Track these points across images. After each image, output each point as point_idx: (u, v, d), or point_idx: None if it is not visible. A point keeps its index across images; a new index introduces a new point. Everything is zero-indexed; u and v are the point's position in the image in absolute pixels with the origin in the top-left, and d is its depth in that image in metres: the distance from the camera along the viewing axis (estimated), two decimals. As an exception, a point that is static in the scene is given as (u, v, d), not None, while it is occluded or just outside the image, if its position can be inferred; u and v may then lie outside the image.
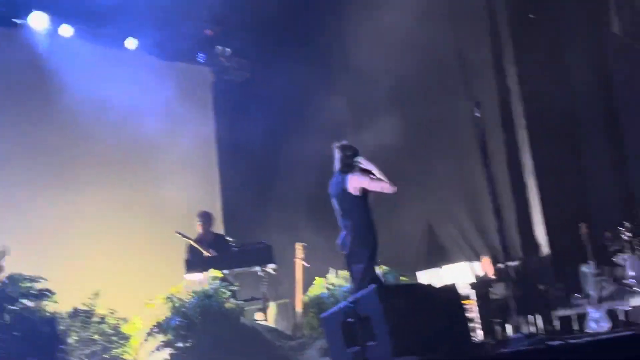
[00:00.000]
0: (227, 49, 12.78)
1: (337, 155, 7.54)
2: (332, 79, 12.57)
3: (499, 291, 10.64)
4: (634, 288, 10.00)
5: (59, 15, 11.15)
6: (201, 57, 12.80)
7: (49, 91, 11.02)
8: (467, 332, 5.22)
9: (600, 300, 9.68)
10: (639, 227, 10.70)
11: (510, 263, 10.94)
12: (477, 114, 7.21)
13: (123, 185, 11.57)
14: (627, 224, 10.82)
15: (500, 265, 10.83)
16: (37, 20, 10.93)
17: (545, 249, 11.50)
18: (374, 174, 7.27)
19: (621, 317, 9.69)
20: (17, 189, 10.37)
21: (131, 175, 11.86)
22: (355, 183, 7.23)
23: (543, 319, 10.47)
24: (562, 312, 10.47)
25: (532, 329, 10.32)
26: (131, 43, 12.02)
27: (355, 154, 7.45)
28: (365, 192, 7.25)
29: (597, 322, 9.47)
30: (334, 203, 7.45)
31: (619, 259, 10.71)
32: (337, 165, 7.53)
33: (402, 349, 4.29)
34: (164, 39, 12.20)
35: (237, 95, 12.64)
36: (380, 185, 7.19)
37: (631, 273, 10.32)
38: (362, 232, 7.14)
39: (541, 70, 11.49)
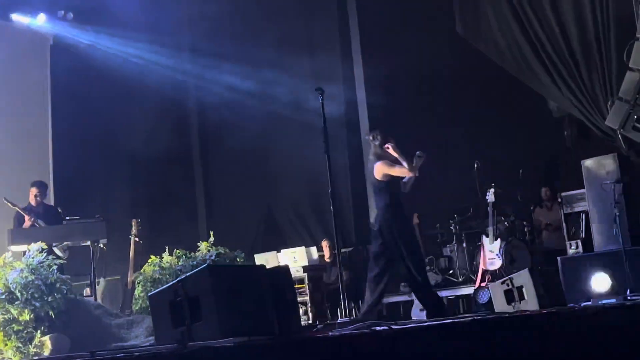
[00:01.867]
0: (70, 13, 12.25)
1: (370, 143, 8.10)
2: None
3: (332, 276, 10.88)
4: (459, 278, 10.48)
5: None
6: (41, 18, 12.20)
7: None
8: (295, 314, 5.27)
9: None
10: (467, 221, 11.21)
11: (344, 249, 11.18)
12: (321, 99, 7.27)
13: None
14: (456, 217, 11.33)
15: (335, 252, 11.06)
16: None
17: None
18: (398, 160, 7.71)
19: (445, 305, 10.11)
20: None
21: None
22: (378, 170, 7.74)
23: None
24: (390, 299, 10.82)
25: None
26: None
27: (385, 141, 7.82)
28: (389, 177, 7.73)
29: (422, 310, 9.83)
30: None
31: (446, 249, 11.20)
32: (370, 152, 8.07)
33: (229, 329, 4.26)
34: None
35: (76, 61, 12.10)
36: (401, 170, 7.67)
37: (457, 263, 10.82)
38: (387, 214, 7.74)
39: (384, 66, 11.80)
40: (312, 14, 12.93)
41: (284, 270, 5.02)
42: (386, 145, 7.74)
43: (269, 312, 4.54)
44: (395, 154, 7.70)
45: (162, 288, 5.05)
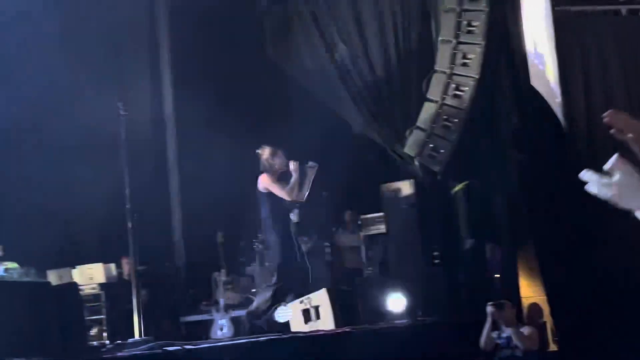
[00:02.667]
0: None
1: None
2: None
3: (130, 294, 10.56)
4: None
5: None
6: None
7: None
8: (83, 333, 5.07)
9: (227, 308, 9.99)
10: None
11: (142, 267, 10.91)
12: (124, 114, 7.08)
13: None
14: (260, 236, 11.34)
15: (138, 268, 10.77)
16: None
17: (180, 254, 11.65)
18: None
19: (245, 324, 10.09)
20: None
21: None
22: (262, 181, 8.04)
23: (171, 323, 10.57)
24: (190, 318, 10.66)
25: (160, 334, 10.37)
26: None
27: (272, 156, 8.15)
28: (269, 190, 8.03)
29: (222, 330, 9.76)
30: None
31: (248, 269, 11.18)
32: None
33: (7, 350, 4.00)
34: None
35: None
36: (280, 191, 7.96)
37: (260, 283, 10.82)
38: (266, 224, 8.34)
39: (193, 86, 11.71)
40: (122, 39, 12.65)
41: (72, 287, 4.81)
42: (292, 167, 8.00)
43: (52, 331, 4.33)
44: (294, 173, 8.01)
45: None
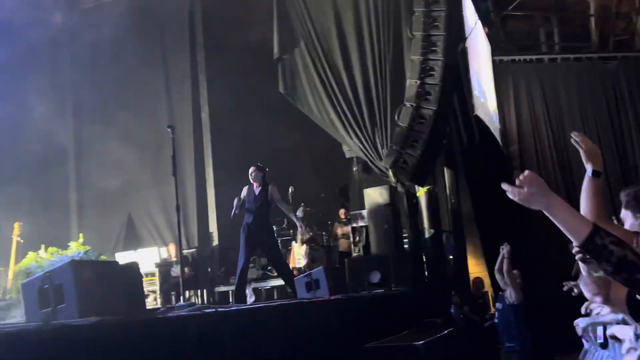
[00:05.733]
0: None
1: (258, 173, 7.97)
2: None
3: (177, 271, 10.60)
4: (274, 273, 10.52)
5: None
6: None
7: None
8: (142, 299, 5.09)
9: (249, 281, 10.02)
10: (282, 230, 11.29)
11: (187, 250, 10.99)
12: (172, 136, 7.12)
13: None
14: (274, 227, 11.38)
15: (187, 251, 10.87)
16: None
17: (214, 241, 11.69)
18: None
19: (263, 293, 10.15)
20: None
21: None
22: (277, 191, 8.08)
23: (207, 293, 10.62)
24: (222, 289, 10.71)
25: (199, 300, 10.43)
26: None
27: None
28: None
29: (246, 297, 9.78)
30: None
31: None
32: (258, 179, 7.95)
33: (86, 311, 4.04)
34: None
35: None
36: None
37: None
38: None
39: (227, 108, 11.74)
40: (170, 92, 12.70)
41: (134, 265, 4.85)
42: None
43: (120, 298, 4.37)
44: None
45: (32, 277, 4.72)
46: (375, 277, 8.82)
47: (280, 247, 8.65)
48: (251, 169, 8.04)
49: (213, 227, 11.77)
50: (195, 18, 12.50)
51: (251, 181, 7.99)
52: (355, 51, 9.67)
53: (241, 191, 8.09)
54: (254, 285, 10.07)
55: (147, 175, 11.82)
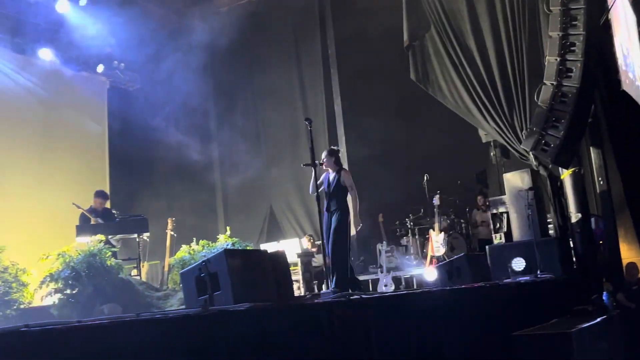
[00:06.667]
0: (122, 63, 12.29)
1: (329, 158, 7.44)
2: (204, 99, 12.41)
3: (318, 261, 10.90)
4: (413, 262, 10.52)
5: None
6: (101, 68, 12.24)
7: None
8: (290, 286, 5.31)
9: (389, 270, 10.10)
10: (419, 219, 11.27)
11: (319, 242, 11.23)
12: (309, 128, 7.30)
13: (33, 162, 10.88)
14: (411, 216, 11.39)
15: (319, 242, 11.10)
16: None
17: (353, 231, 11.81)
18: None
19: (403, 281, 10.17)
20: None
21: (42, 154, 11.18)
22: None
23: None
24: (362, 277, 10.85)
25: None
26: (46, 53, 11.38)
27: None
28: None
29: (386, 286, 9.87)
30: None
31: (403, 240, 11.24)
32: (330, 164, 7.43)
33: (240, 297, 4.29)
34: (72, 51, 11.57)
35: (127, 99, 12.14)
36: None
37: (412, 251, 10.86)
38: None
39: (358, 98, 11.84)
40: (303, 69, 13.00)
41: (281, 254, 5.06)
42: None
43: (270, 284, 4.58)
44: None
45: (190, 267, 5.07)
46: (519, 264, 8.58)
47: (346, 236, 7.68)
48: (323, 154, 7.64)
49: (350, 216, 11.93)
50: (325, 11, 12.72)
51: (323, 167, 7.54)
52: (488, 31, 9.42)
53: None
54: (393, 274, 10.12)
55: (286, 168, 12.23)
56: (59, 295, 7.28)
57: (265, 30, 12.47)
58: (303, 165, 7.02)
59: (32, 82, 10.96)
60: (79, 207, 9.30)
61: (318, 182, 7.20)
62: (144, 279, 9.18)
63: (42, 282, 7.38)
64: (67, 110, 11.28)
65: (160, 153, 12.00)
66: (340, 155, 7.64)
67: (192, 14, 11.60)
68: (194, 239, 8.75)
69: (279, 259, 4.96)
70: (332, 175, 7.52)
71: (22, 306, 7.38)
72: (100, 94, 12.57)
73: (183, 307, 6.53)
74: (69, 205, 9.35)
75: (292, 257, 10.29)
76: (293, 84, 12.85)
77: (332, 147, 7.72)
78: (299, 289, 10.01)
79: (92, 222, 9.19)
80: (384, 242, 10.57)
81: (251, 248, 8.82)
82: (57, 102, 11.36)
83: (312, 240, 11.43)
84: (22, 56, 11.05)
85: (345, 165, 12.11)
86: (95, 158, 12.18)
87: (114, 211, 9.85)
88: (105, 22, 10.92)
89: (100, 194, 9.71)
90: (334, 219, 7.39)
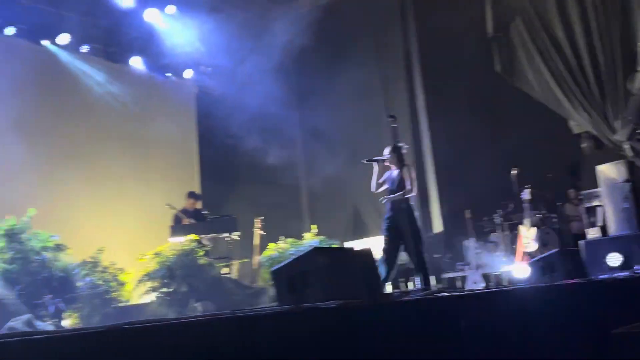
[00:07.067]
0: (209, 68, 12.66)
1: (393, 154, 7.34)
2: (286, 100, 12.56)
3: (402, 258, 10.84)
4: (502, 259, 10.29)
5: (80, 36, 10.93)
6: (188, 73, 12.66)
7: (73, 90, 10.98)
8: (378, 284, 5.33)
9: (477, 266, 9.92)
10: (508, 215, 11.01)
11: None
12: (393, 125, 7.28)
13: (128, 167, 11.39)
14: (499, 211, 11.13)
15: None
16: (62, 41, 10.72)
17: (439, 228, 11.71)
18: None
19: (492, 278, 9.97)
20: (42, 163, 10.08)
21: (136, 158, 11.67)
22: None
23: (436, 279, 10.67)
24: (449, 275, 10.72)
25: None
26: (137, 61, 11.89)
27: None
28: None
29: (475, 283, 9.71)
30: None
31: (492, 237, 11.01)
32: (393, 161, 7.35)
33: (330, 294, 4.34)
34: (161, 58, 12.03)
35: (214, 103, 12.48)
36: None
37: (501, 247, 10.63)
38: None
39: (442, 93, 11.67)
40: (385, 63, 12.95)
41: (368, 251, 5.08)
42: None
43: (359, 282, 4.62)
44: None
45: (280, 265, 5.18)
46: (616, 259, 8.24)
47: (422, 235, 7.47)
48: (385, 151, 7.42)
49: (436, 214, 11.81)
50: (406, 5, 12.63)
51: (387, 163, 7.38)
52: (577, 19, 9.11)
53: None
54: (482, 270, 9.95)
55: (369, 165, 12.22)
56: (155, 294, 7.61)
57: (345, 28, 12.51)
58: (363, 161, 6.96)
59: (125, 89, 11.43)
60: (172, 208, 9.67)
61: (380, 181, 7.21)
62: (234, 276, 9.44)
63: (140, 281, 7.74)
64: (158, 115, 11.70)
65: (245, 155, 12.26)
66: (404, 152, 7.42)
67: (274, 16, 11.79)
68: (282, 237, 8.92)
69: (366, 256, 4.98)
70: (395, 172, 7.38)
71: (120, 304, 7.75)
72: (189, 99, 13.00)
73: (274, 304, 6.69)
74: (162, 207, 9.73)
75: (376, 254, 10.26)
76: (374, 81, 12.82)
77: (397, 143, 7.45)
78: (384, 286, 9.99)
79: (185, 222, 9.53)
80: (472, 238, 10.39)
81: (337, 246, 8.89)
82: (148, 108, 11.80)
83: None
84: (115, 64, 11.56)
85: (431, 162, 12.01)
86: (186, 161, 12.60)
87: (204, 211, 10.18)
88: (193, 29, 11.28)
89: (192, 195, 10.05)
90: (404, 217, 7.21)
